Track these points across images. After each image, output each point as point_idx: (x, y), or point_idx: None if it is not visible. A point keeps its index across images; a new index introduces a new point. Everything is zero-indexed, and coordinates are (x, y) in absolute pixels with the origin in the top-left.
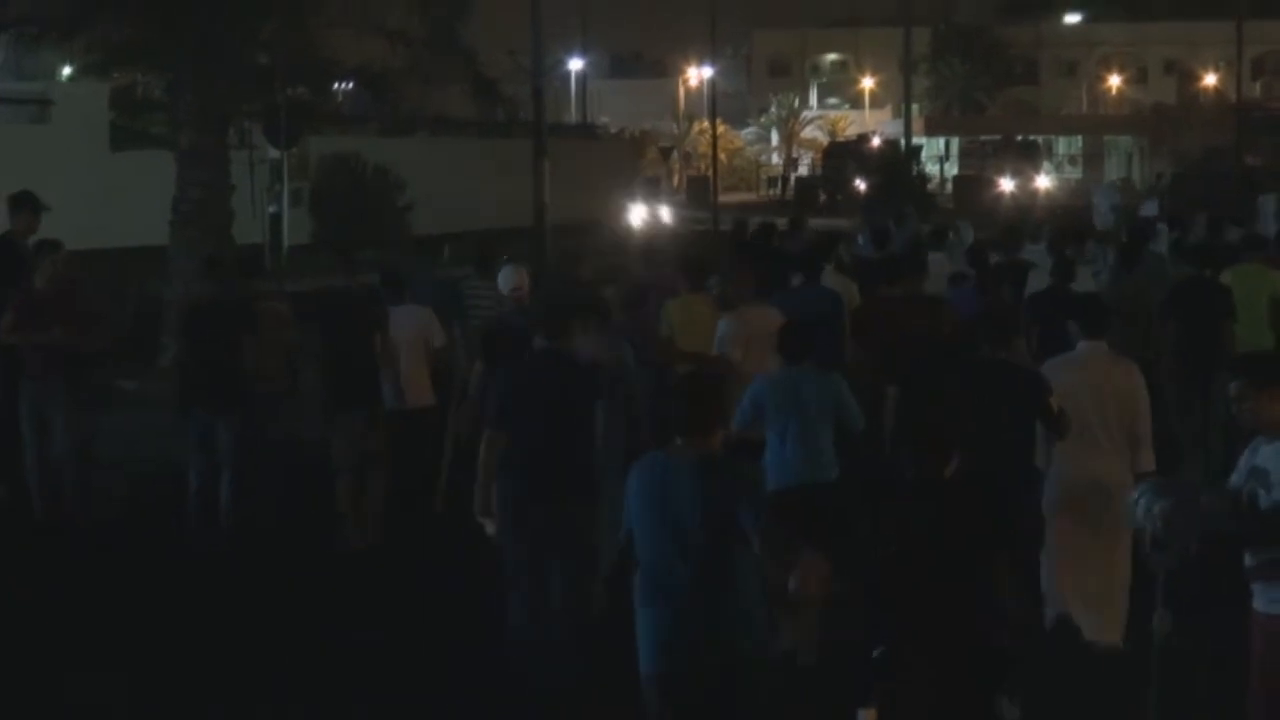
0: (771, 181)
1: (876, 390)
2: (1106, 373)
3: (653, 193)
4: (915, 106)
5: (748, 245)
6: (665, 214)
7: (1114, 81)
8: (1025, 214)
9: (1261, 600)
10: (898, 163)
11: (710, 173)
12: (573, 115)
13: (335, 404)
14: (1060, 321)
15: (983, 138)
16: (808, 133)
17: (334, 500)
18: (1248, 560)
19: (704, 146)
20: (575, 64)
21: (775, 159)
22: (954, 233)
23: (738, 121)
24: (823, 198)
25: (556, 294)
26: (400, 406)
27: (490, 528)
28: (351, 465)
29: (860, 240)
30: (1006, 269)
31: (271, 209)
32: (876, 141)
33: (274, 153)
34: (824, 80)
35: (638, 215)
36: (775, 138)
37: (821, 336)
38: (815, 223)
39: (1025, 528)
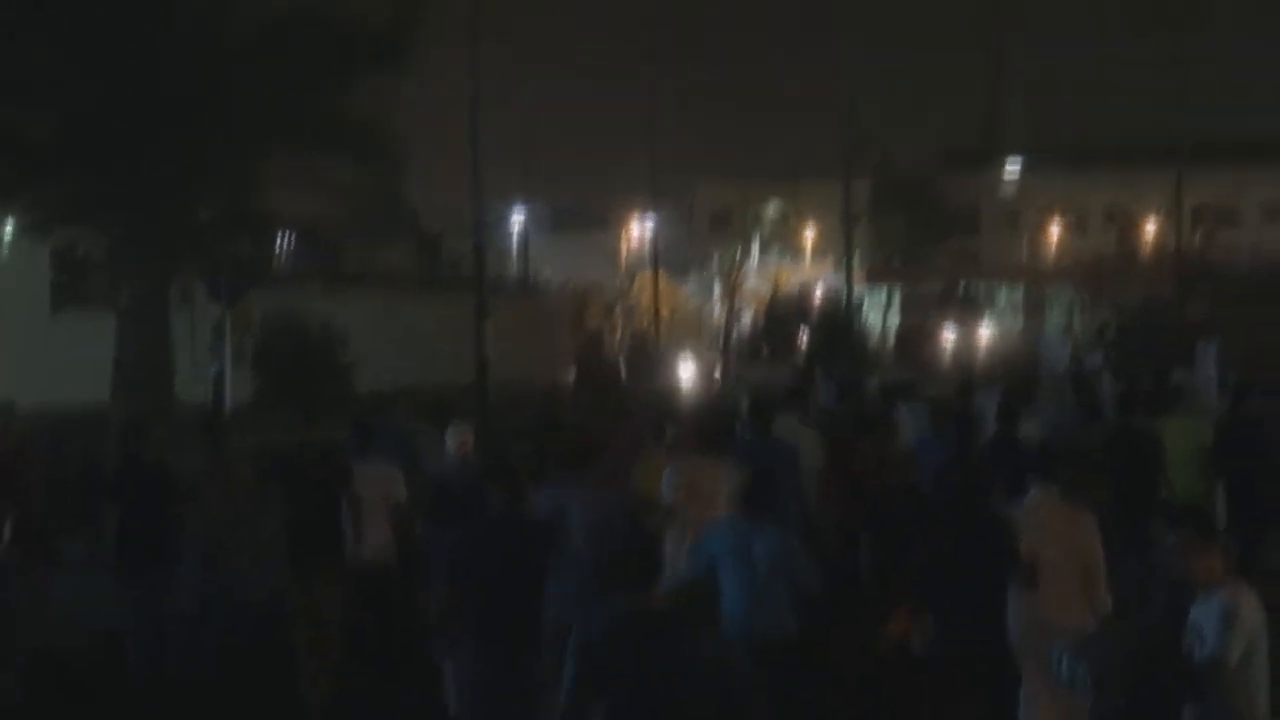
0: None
1: (848, 540)
2: (1060, 519)
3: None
4: (857, 258)
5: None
6: (716, 370)
7: (1055, 231)
8: (968, 365)
9: None
10: (840, 314)
11: (653, 327)
12: (514, 269)
13: (299, 558)
14: (1011, 469)
15: (924, 289)
16: (750, 285)
17: (292, 654)
18: (1185, 715)
19: (647, 300)
20: (517, 218)
21: (718, 311)
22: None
23: (680, 274)
24: (765, 350)
25: (507, 452)
26: (364, 560)
27: (449, 670)
28: (312, 619)
29: (823, 393)
30: (959, 418)
31: (214, 367)
32: (819, 293)
33: (216, 310)
34: (765, 232)
35: (688, 371)
36: (717, 290)
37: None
38: (757, 374)
39: (990, 674)
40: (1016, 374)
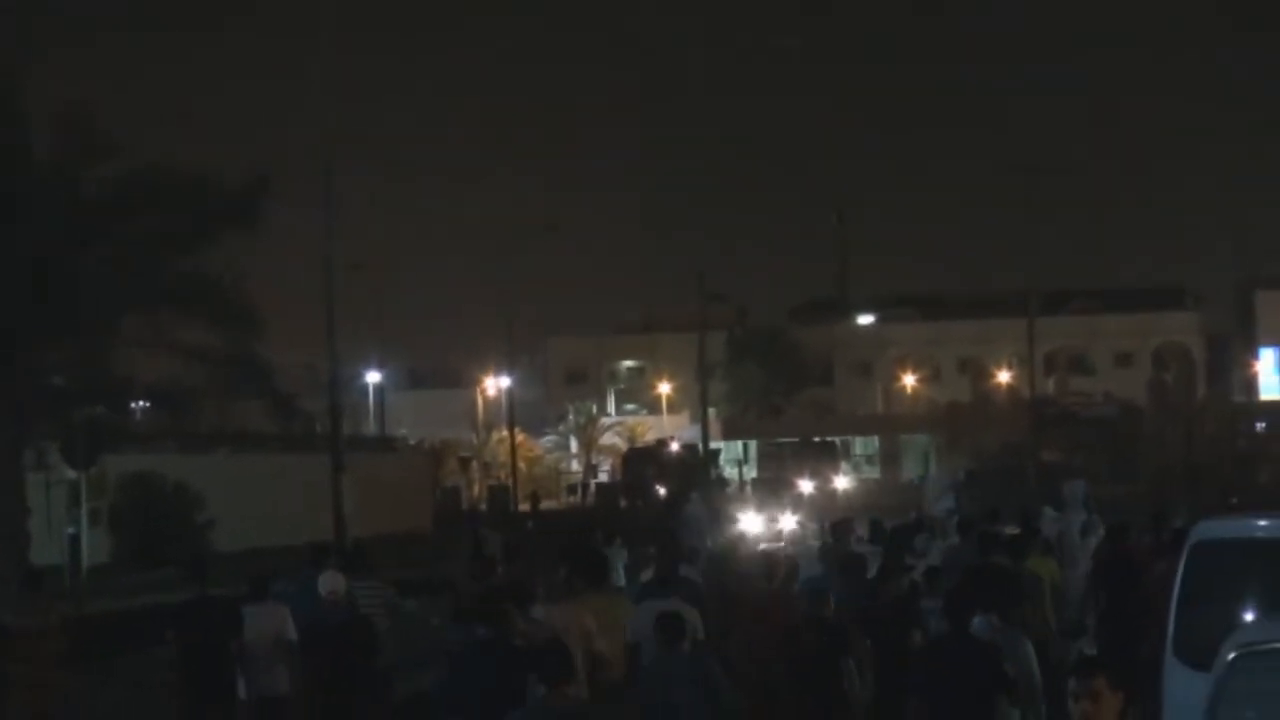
0: (572, 489)
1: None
2: (1003, 644)
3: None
4: (713, 410)
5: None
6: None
7: (909, 380)
8: (829, 512)
9: None
10: (697, 466)
11: (510, 481)
12: (371, 427)
13: (194, 698)
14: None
15: (780, 440)
16: (606, 439)
17: None
18: None
19: (503, 455)
20: (373, 376)
21: (575, 466)
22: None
23: (536, 429)
24: (623, 503)
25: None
26: (257, 695)
27: None
28: None
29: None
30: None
31: (70, 530)
32: (675, 446)
33: (72, 473)
34: (621, 386)
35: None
36: (574, 445)
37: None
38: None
39: None
40: (901, 517)
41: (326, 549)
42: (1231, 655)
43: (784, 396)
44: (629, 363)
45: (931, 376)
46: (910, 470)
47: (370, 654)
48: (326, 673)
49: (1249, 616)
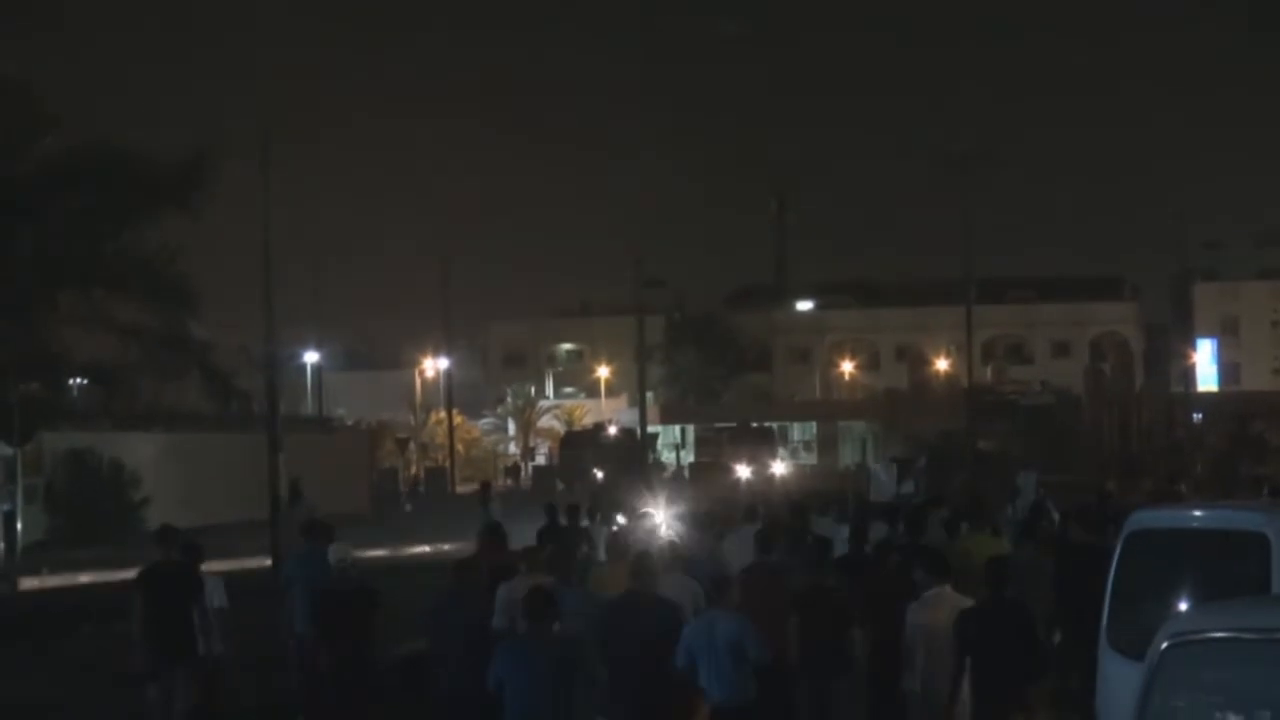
0: (509, 471)
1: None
2: (956, 609)
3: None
4: (650, 394)
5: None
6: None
7: (847, 367)
8: (765, 496)
9: None
10: (634, 450)
11: (448, 463)
12: (309, 407)
13: (156, 659)
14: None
15: (718, 425)
16: (544, 422)
17: None
18: None
19: (441, 437)
20: (310, 356)
21: (513, 448)
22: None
23: (474, 412)
24: (560, 486)
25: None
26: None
27: None
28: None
29: None
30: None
31: (5, 506)
32: (613, 430)
33: (7, 450)
34: (559, 370)
35: None
36: (512, 427)
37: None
38: None
39: None
40: (851, 500)
41: (324, 525)
42: (1164, 645)
43: (722, 381)
44: (567, 346)
45: (869, 363)
46: (847, 456)
47: (376, 615)
48: (339, 630)
49: (1183, 606)
